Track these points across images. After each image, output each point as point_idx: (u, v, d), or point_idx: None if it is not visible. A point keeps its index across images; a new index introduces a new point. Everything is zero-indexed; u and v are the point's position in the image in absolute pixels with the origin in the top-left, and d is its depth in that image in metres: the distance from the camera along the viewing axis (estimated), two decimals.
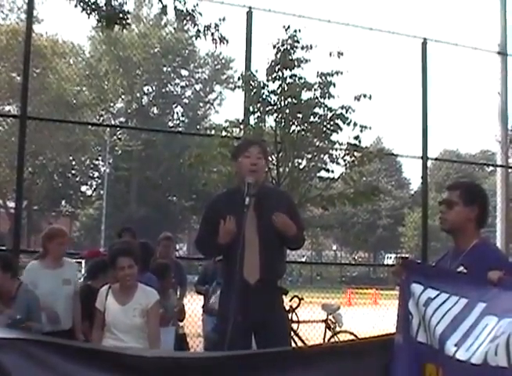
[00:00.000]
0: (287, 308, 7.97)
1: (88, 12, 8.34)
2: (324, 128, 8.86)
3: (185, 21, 8.68)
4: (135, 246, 6.32)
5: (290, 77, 8.81)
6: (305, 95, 8.84)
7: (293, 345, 8.44)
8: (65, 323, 6.29)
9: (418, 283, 3.49)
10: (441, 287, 3.38)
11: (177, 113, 49.22)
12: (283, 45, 8.81)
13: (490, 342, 2.90)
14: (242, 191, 4.68)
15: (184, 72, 48.16)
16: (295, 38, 8.82)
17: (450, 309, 3.26)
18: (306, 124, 8.84)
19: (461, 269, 3.74)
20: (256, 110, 8.97)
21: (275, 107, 8.83)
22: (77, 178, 45.97)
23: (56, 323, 6.18)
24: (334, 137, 9.02)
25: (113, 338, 5.43)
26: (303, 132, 8.89)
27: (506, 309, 3.01)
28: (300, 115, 8.79)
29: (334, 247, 59.23)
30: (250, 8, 9.79)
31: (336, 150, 9.10)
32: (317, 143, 9.03)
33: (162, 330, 5.89)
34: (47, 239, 6.46)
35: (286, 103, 8.79)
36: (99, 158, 45.35)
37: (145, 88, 46.52)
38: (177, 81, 48.72)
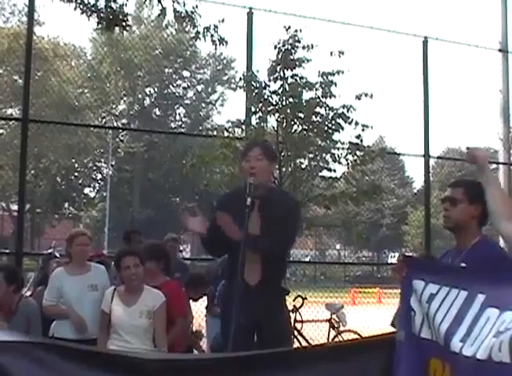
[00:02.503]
0: (291, 307, 7.99)
1: (88, 14, 8.34)
2: (326, 128, 8.87)
3: (184, 23, 8.67)
4: (157, 248, 6.30)
5: (292, 76, 8.83)
6: (307, 94, 8.88)
7: (297, 344, 8.46)
8: (92, 332, 5.81)
9: (420, 279, 3.48)
10: (441, 281, 3.37)
11: (179, 114, 49.15)
12: (283, 45, 8.82)
13: (494, 337, 2.90)
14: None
15: (186, 73, 48.11)
16: (296, 38, 8.84)
17: (453, 302, 3.24)
18: (308, 124, 8.85)
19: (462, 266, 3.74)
20: (258, 110, 8.99)
21: (276, 107, 8.85)
22: (80, 181, 45.86)
23: (83, 331, 5.81)
24: (336, 136, 9.05)
25: (118, 340, 5.46)
26: (305, 132, 8.90)
27: (508, 302, 3.01)
28: (301, 115, 8.80)
29: (338, 247, 59.09)
30: (250, 8, 9.81)
31: (338, 149, 9.11)
32: (319, 143, 9.04)
33: None
34: (68, 243, 6.19)
35: (288, 102, 8.80)
36: (102, 160, 45.28)
37: (147, 90, 46.46)
38: (179, 82, 48.65)
